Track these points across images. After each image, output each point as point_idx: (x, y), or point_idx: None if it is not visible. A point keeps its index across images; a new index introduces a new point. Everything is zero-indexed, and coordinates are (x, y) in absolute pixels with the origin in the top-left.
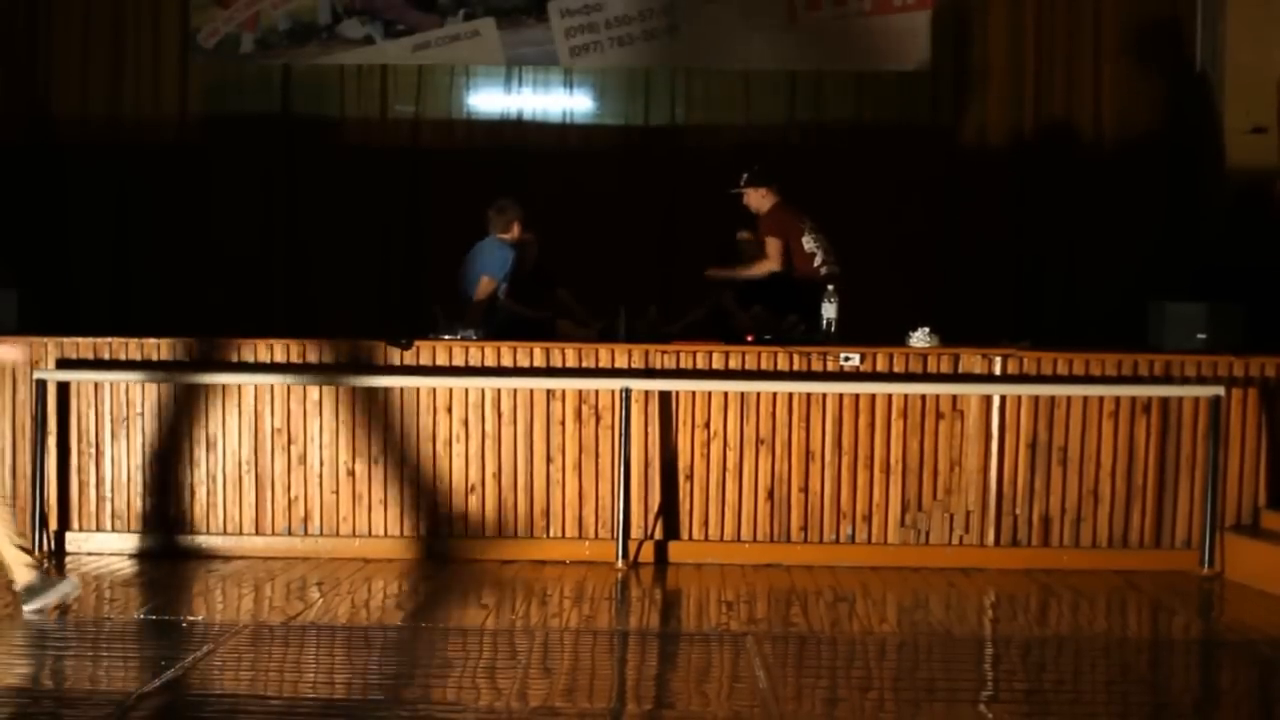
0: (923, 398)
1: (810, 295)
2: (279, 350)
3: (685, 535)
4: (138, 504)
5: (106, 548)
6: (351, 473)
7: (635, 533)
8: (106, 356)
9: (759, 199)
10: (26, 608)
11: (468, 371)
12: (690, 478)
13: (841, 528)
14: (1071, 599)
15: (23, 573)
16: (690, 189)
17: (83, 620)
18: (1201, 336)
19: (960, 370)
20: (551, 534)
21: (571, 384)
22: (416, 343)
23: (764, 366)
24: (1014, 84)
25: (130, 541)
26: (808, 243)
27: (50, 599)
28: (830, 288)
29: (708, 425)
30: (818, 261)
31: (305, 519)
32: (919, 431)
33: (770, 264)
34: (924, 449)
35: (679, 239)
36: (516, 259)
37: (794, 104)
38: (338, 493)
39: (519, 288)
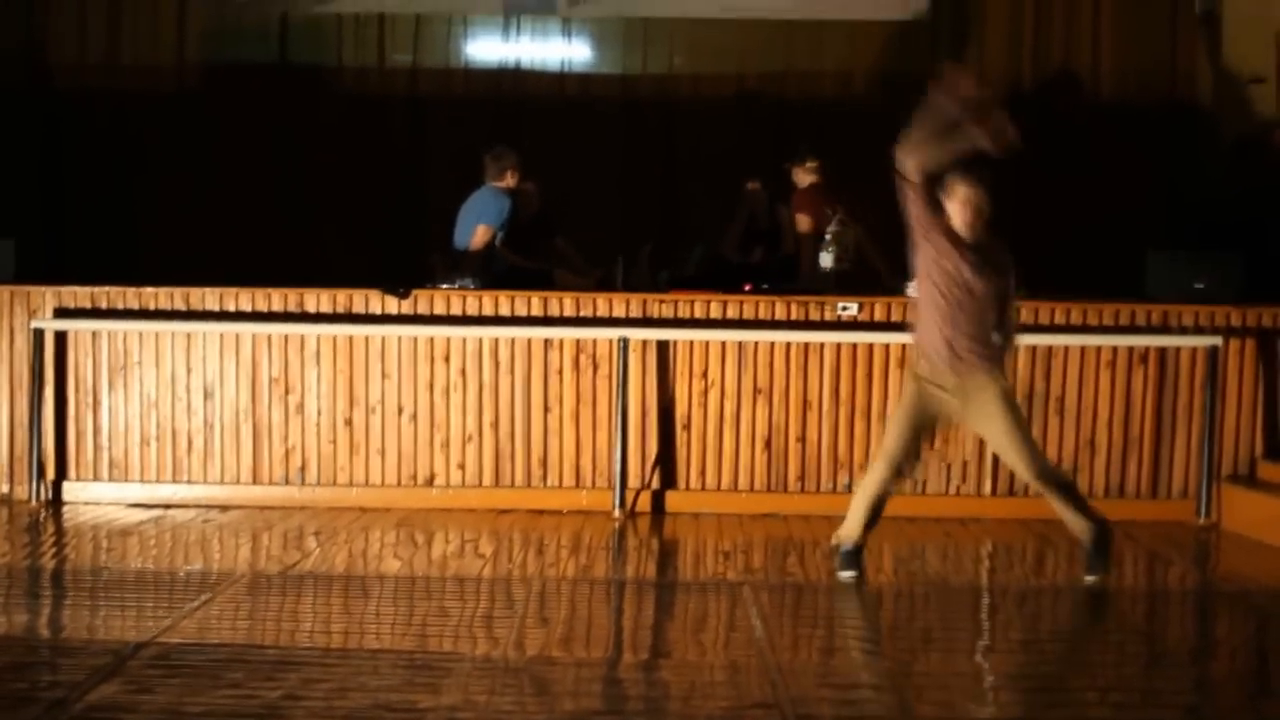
0: None
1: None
2: (276, 299)
3: (682, 485)
4: (135, 454)
5: (104, 497)
6: (349, 422)
7: (632, 482)
8: (104, 306)
9: (802, 174)
10: None
11: (465, 321)
12: (688, 427)
13: (839, 477)
14: (1068, 549)
15: None
16: (687, 138)
17: (80, 570)
18: (1199, 286)
19: None
20: (549, 483)
21: (569, 333)
22: (414, 292)
23: (762, 316)
24: (1012, 33)
25: (128, 491)
26: (829, 235)
27: None
28: (828, 237)
29: (705, 374)
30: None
31: (302, 468)
32: None
33: (797, 231)
34: None
35: (676, 188)
36: (514, 208)
37: (791, 53)
38: (335, 442)
39: (517, 237)
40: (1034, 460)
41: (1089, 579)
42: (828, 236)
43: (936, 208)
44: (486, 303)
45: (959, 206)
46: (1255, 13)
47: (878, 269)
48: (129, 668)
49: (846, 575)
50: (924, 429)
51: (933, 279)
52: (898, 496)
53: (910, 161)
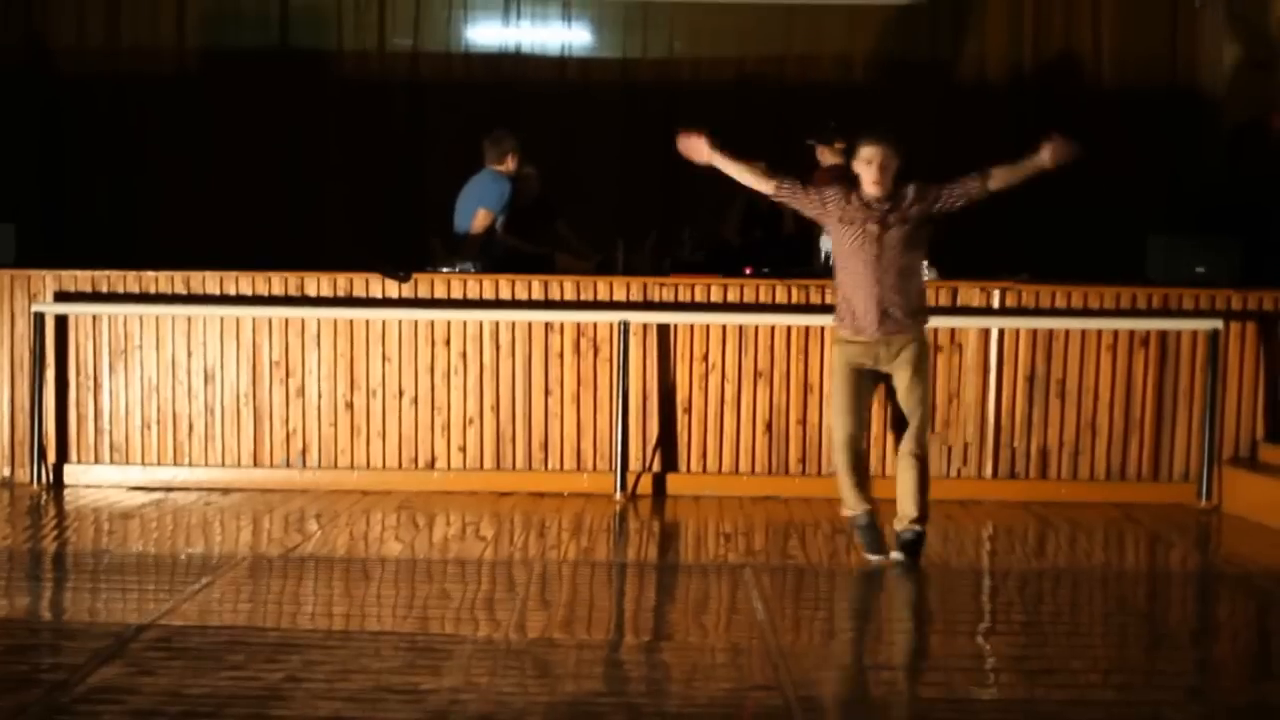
0: None
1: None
2: (277, 283)
3: (683, 468)
4: (136, 437)
5: (105, 480)
6: (350, 405)
7: (633, 465)
8: (105, 289)
9: (828, 154)
10: None
11: (466, 304)
12: (688, 410)
13: None
14: (1069, 531)
15: None
16: (688, 122)
17: (81, 552)
18: (1200, 270)
19: (959, 303)
20: (550, 466)
21: (570, 316)
22: (414, 275)
23: (762, 299)
24: (1012, 17)
25: (129, 474)
26: None
27: None
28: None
29: (706, 358)
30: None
31: (303, 451)
32: None
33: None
34: None
35: (677, 172)
36: (514, 192)
37: (791, 37)
38: (336, 425)
39: (517, 220)
40: (929, 427)
41: (895, 556)
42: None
43: (809, 197)
44: (487, 286)
45: (864, 165)
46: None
47: None
48: (130, 650)
49: (875, 558)
50: (865, 391)
51: (846, 249)
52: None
53: (758, 189)
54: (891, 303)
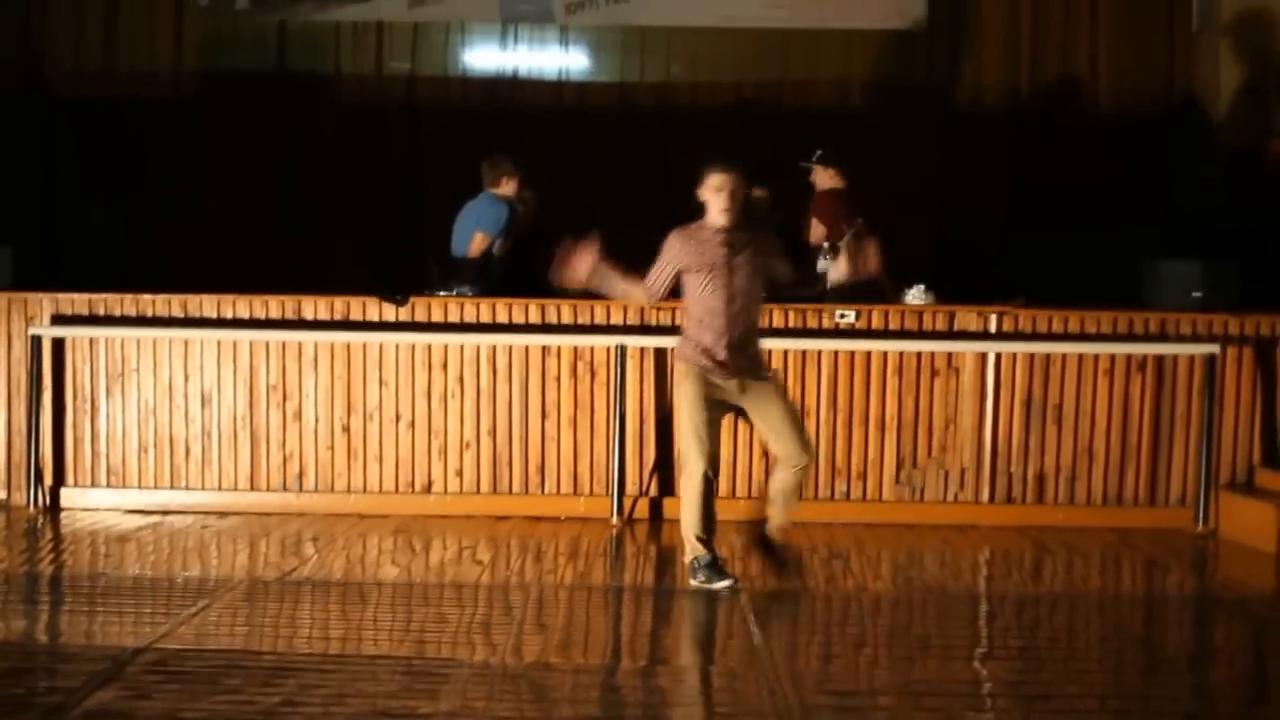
0: (918, 355)
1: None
2: (274, 306)
3: (680, 491)
4: (133, 460)
5: (102, 504)
6: (346, 429)
7: (630, 489)
8: (101, 312)
9: (823, 178)
10: None
11: (463, 328)
12: None
13: (836, 485)
14: (1066, 556)
15: None
16: (685, 147)
17: (78, 576)
18: (1197, 294)
19: (955, 328)
20: (546, 490)
21: (567, 340)
22: (412, 299)
23: (760, 323)
24: (1010, 42)
25: (126, 497)
26: (842, 245)
27: None
28: (826, 245)
29: None
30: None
31: (300, 475)
32: (914, 389)
33: (808, 240)
34: (919, 406)
35: (674, 197)
36: (511, 215)
37: (788, 62)
38: (333, 449)
39: (514, 244)
40: (809, 444)
41: (724, 584)
42: (829, 244)
43: (669, 266)
44: (484, 310)
45: (714, 193)
46: (1251, 22)
47: (883, 284)
48: (127, 673)
49: (719, 585)
50: (716, 421)
51: (700, 280)
52: (895, 504)
53: (638, 301)
54: (742, 330)
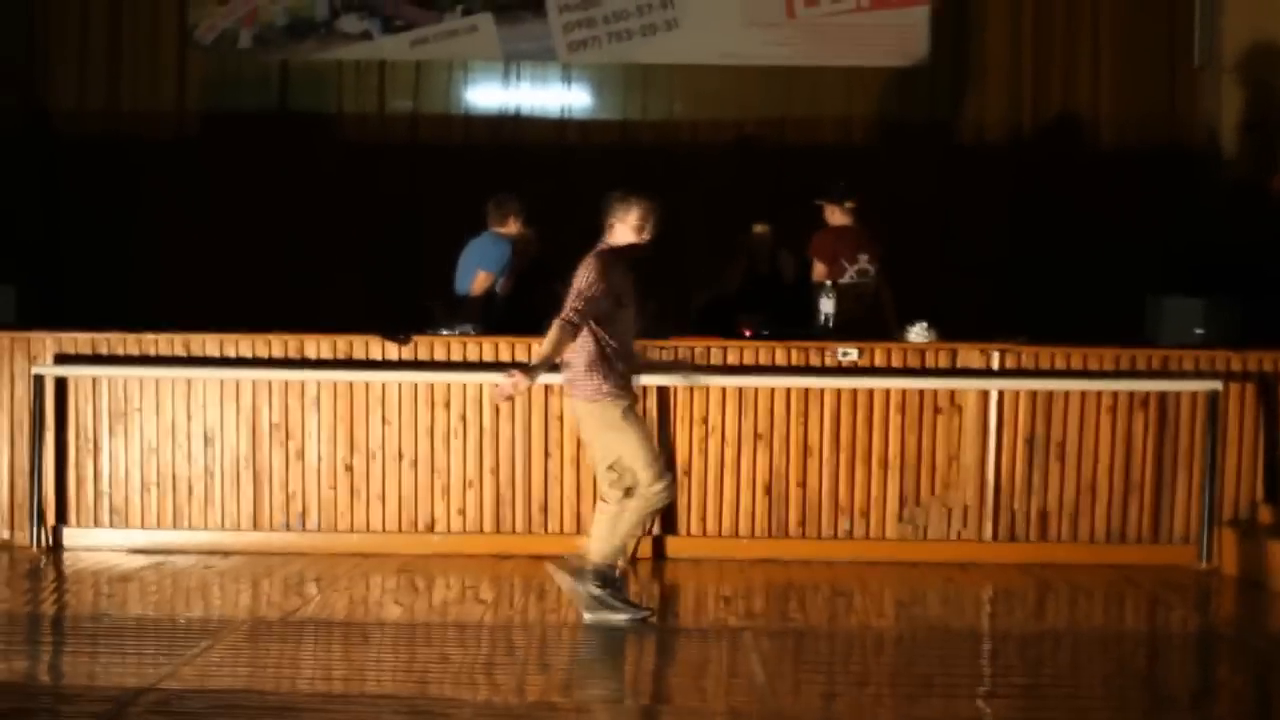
0: (920, 393)
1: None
2: (276, 345)
3: (683, 530)
4: (136, 500)
5: (104, 543)
6: (349, 468)
7: None
8: (104, 352)
9: (837, 214)
10: None
11: (465, 366)
12: (688, 473)
13: (839, 523)
14: (1069, 594)
15: None
16: (687, 184)
17: (80, 616)
18: (1199, 331)
19: (958, 365)
20: (549, 529)
21: None
22: (414, 337)
23: (762, 361)
24: (1011, 79)
25: (128, 537)
26: (846, 278)
27: None
28: (828, 284)
29: (705, 420)
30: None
31: (303, 514)
32: (917, 426)
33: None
34: (922, 444)
35: (677, 234)
36: (513, 254)
37: (791, 99)
38: (335, 488)
39: (517, 283)
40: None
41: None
42: (830, 283)
43: (599, 293)
44: (487, 348)
45: (638, 227)
46: (1254, 57)
47: (888, 321)
48: (129, 714)
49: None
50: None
51: (622, 312)
52: (898, 542)
53: (570, 343)
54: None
